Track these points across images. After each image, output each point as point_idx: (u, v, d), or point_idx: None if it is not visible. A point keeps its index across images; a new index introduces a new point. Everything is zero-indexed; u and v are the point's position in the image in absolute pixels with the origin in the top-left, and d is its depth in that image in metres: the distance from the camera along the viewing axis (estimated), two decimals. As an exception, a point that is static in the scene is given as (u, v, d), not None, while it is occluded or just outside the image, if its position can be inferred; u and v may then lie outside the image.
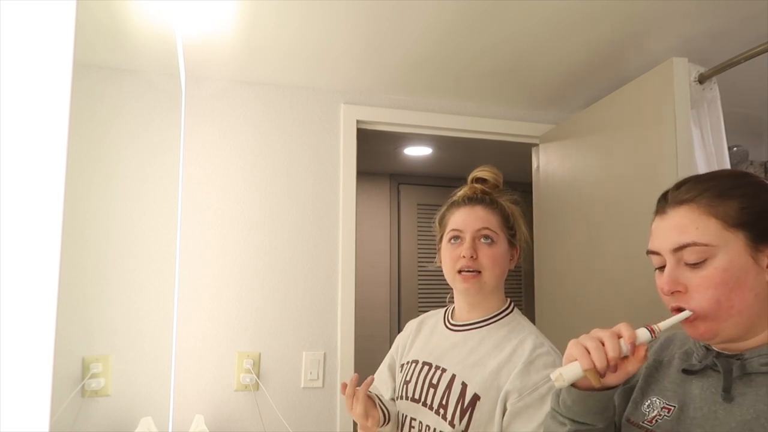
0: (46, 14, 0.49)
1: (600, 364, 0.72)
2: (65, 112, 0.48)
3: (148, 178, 1.41)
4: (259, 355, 1.85)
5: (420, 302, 3.62)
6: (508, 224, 1.17)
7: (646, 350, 0.75)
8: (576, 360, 0.74)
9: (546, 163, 2.15)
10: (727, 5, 1.44)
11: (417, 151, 3.12)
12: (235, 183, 1.90)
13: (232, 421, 1.80)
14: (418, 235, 3.68)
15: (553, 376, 0.75)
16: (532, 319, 1.22)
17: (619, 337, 0.74)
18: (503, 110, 2.20)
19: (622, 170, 1.69)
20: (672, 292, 0.76)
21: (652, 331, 0.75)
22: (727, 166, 1.58)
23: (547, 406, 0.96)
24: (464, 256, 1.12)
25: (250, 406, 1.83)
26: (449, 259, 1.16)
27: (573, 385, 0.77)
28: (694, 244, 0.74)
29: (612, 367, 0.73)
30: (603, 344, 0.73)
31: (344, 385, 1.11)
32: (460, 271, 1.13)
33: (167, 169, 1.64)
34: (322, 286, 1.94)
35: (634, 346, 0.73)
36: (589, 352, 0.73)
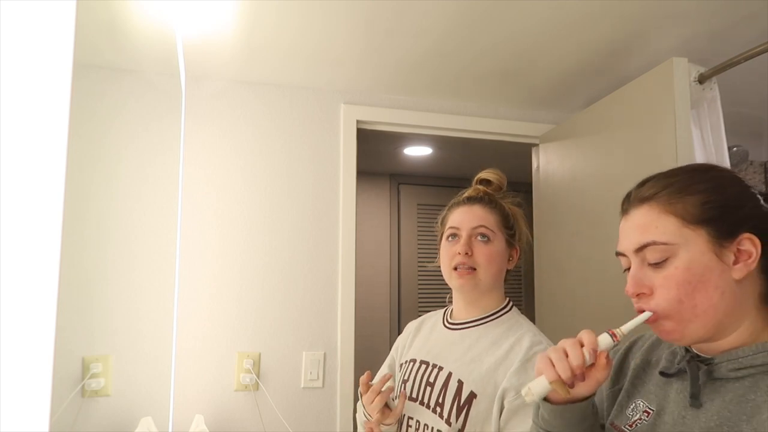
0: (46, 14, 0.49)
1: (564, 374, 0.70)
2: (65, 112, 0.48)
3: (148, 178, 1.41)
4: (259, 355, 1.85)
5: (420, 302, 3.62)
6: (507, 224, 1.18)
7: (608, 356, 0.73)
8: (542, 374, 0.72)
9: (546, 163, 2.15)
10: (726, 5, 1.44)
11: (417, 151, 3.12)
12: (235, 183, 1.90)
13: (232, 421, 1.80)
14: (418, 235, 3.68)
15: (523, 392, 0.74)
16: (532, 319, 1.22)
17: (582, 345, 0.72)
18: (503, 110, 2.20)
19: (622, 170, 1.69)
20: (637, 294, 0.74)
21: (613, 335, 0.73)
22: (727, 166, 1.58)
23: None
24: (459, 253, 1.13)
25: (250, 406, 1.83)
26: (446, 256, 1.17)
27: (547, 399, 0.76)
28: (654, 244, 0.72)
29: (579, 376, 0.71)
30: (566, 355, 0.72)
31: (369, 376, 1.13)
32: (455, 268, 1.14)
33: (167, 169, 1.64)
34: (322, 286, 1.94)
35: (596, 353, 0.72)
36: (553, 365, 0.71)
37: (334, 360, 1.92)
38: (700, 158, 1.54)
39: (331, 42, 1.65)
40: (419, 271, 3.66)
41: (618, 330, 0.74)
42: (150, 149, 1.40)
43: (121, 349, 1.19)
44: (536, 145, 2.23)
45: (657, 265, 0.72)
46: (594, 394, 0.76)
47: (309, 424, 1.87)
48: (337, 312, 1.94)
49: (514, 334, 1.10)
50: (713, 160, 1.56)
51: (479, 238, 1.14)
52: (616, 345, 0.75)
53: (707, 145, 1.58)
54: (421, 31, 1.58)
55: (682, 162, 1.46)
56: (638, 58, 1.73)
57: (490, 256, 1.13)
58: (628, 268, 0.77)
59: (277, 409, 1.83)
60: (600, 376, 0.73)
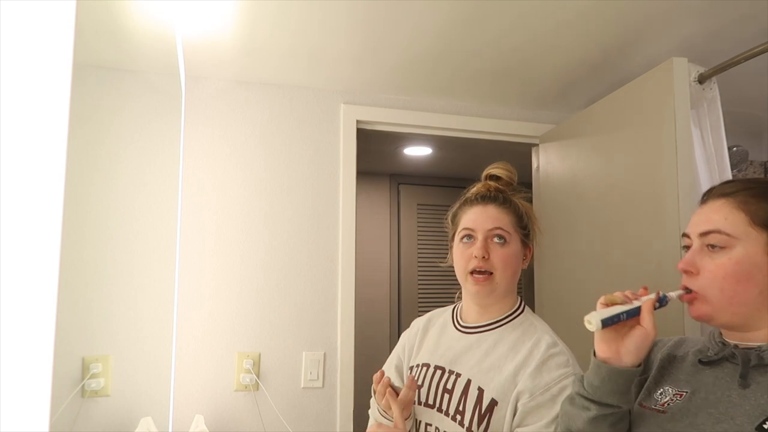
0: (46, 14, 0.49)
1: (619, 296, 0.86)
2: (65, 112, 0.48)
3: (148, 178, 1.41)
4: (259, 355, 1.85)
5: (420, 302, 3.62)
6: (521, 223, 1.15)
7: (654, 304, 0.84)
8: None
9: (546, 163, 2.15)
10: (726, 5, 1.44)
11: (417, 151, 3.12)
12: (235, 183, 1.90)
13: (232, 421, 1.80)
14: (418, 235, 3.68)
15: (586, 318, 0.85)
16: (532, 319, 1.21)
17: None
18: (503, 110, 2.20)
19: (622, 170, 1.69)
20: (685, 271, 0.85)
21: (662, 295, 0.85)
22: (727, 166, 1.58)
23: (558, 407, 0.95)
24: (476, 257, 1.10)
25: (250, 406, 1.83)
26: (461, 258, 1.14)
27: (602, 360, 0.85)
28: (719, 232, 0.82)
29: (628, 301, 0.85)
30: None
31: (381, 374, 1.12)
32: (472, 272, 1.11)
33: (167, 168, 1.64)
34: (322, 286, 1.94)
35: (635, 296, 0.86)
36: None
37: (334, 360, 1.92)
38: (699, 158, 1.54)
39: (331, 42, 1.65)
40: (419, 271, 3.66)
41: (668, 294, 0.86)
42: (150, 149, 1.41)
43: (121, 349, 1.19)
44: (536, 145, 2.23)
45: (714, 251, 0.82)
46: (641, 366, 0.86)
47: (309, 424, 1.87)
48: (337, 312, 1.94)
49: (531, 337, 1.08)
50: (713, 160, 1.56)
51: (495, 240, 1.11)
52: (660, 306, 0.85)
53: (707, 144, 1.58)
54: (420, 30, 1.58)
55: (682, 162, 1.46)
56: (638, 58, 1.73)
57: (506, 259, 1.11)
58: (687, 248, 0.87)
59: (276, 409, 1.83)
60: (645, 326, 0.83)
